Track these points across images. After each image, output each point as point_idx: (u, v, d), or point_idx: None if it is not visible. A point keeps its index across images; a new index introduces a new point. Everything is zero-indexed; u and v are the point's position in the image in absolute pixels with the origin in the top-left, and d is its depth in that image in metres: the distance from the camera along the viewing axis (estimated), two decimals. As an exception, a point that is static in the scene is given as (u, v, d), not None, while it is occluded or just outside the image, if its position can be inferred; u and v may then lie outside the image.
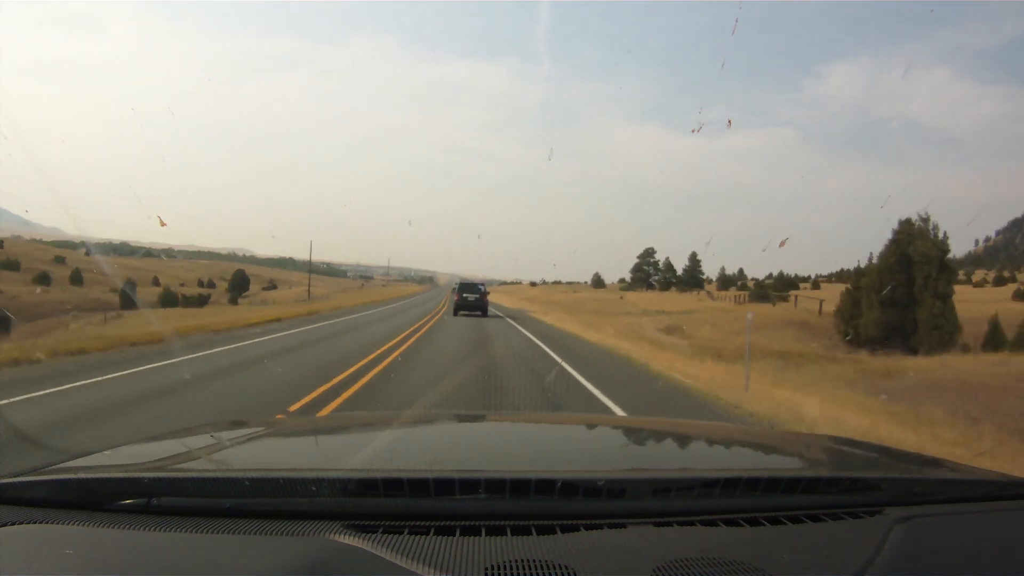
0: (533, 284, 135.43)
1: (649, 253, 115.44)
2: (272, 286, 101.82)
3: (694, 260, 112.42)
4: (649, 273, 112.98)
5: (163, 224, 8.73)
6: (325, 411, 6.94)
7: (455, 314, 27.59)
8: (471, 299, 28.25)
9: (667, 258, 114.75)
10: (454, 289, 31.49)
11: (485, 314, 28.25)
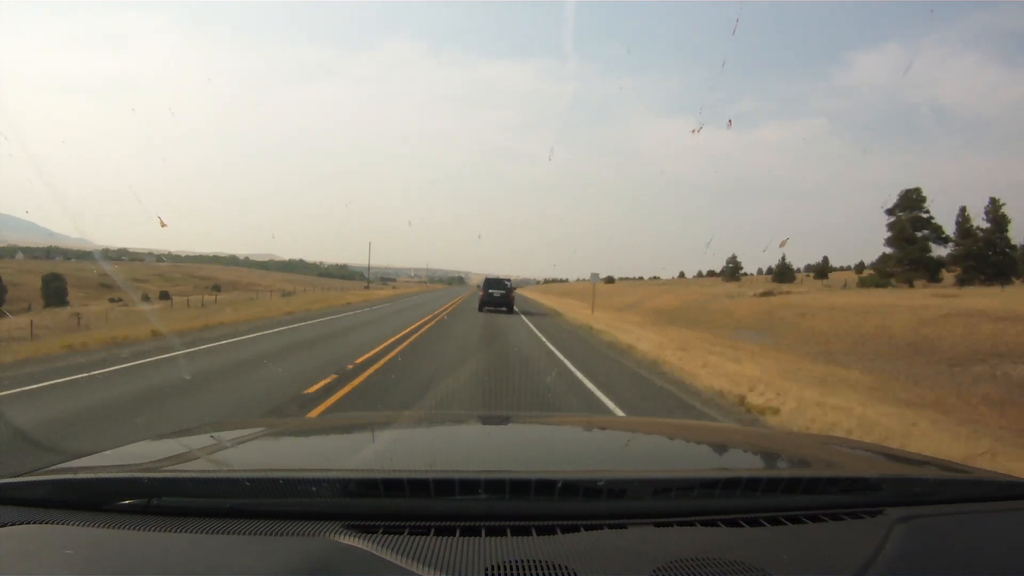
0: (610, 280, 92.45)
1: (913, 201, 51.35)
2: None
3: (997, 213, 49.01)
4: (923, 246, 50.20)
5: (163, 225, 8.66)
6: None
7: (480, 310, 27.60)
8: (497, 295, 28.33)
9: (963, 209, 50.43)
10: (479, 287, 31.54)
11: (510, 310, 28.18)
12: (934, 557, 1.07)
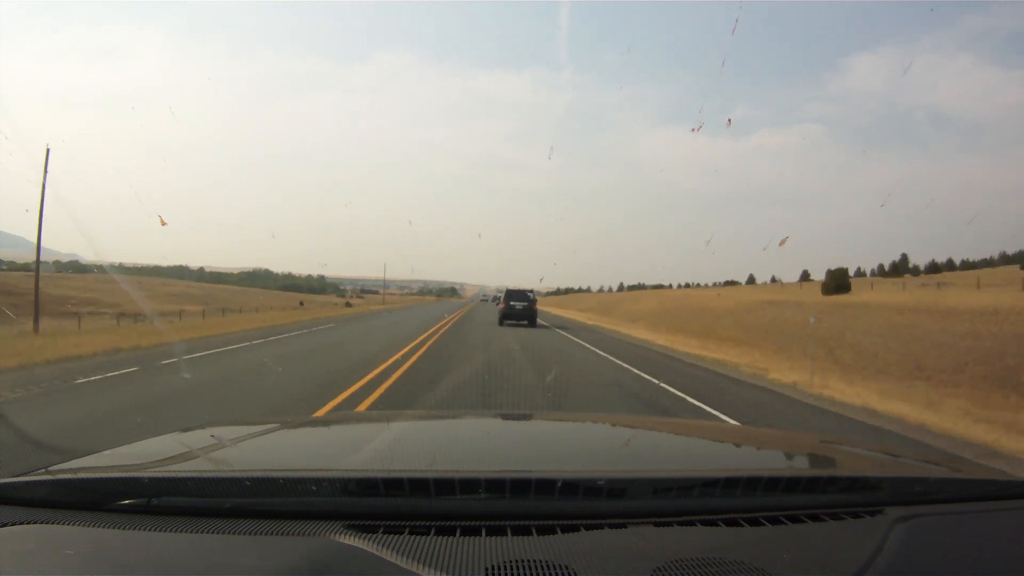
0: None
1: None
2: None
3: None
4: None
5: (163, 223, 8.59)
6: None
7: (500, 324, 26.20)
8: (519, 308, 27.03)
9: None
10: (489, 299, 29.85)
11: (533, 324, 26.79)
12: (934, 557, 1.07)
